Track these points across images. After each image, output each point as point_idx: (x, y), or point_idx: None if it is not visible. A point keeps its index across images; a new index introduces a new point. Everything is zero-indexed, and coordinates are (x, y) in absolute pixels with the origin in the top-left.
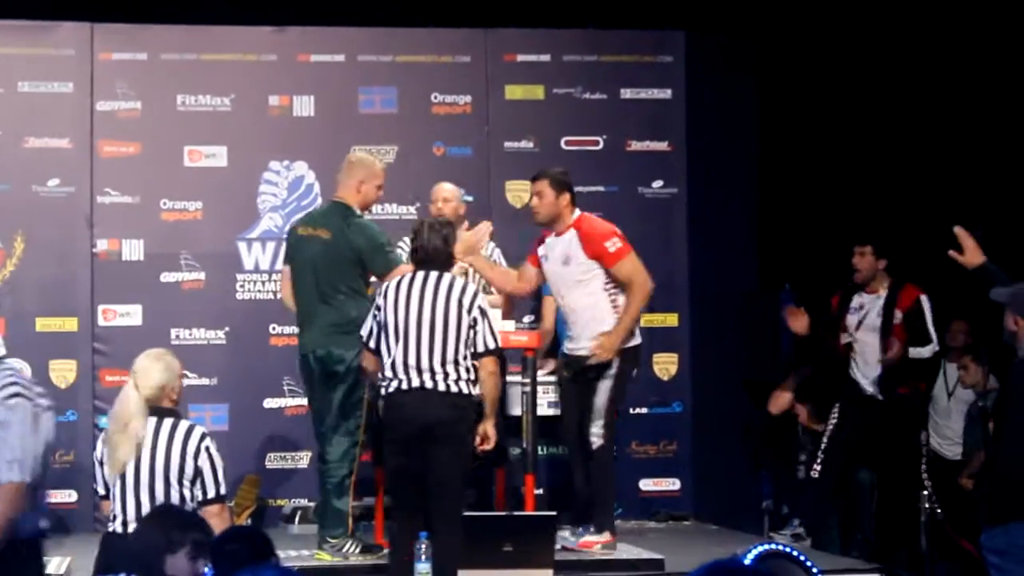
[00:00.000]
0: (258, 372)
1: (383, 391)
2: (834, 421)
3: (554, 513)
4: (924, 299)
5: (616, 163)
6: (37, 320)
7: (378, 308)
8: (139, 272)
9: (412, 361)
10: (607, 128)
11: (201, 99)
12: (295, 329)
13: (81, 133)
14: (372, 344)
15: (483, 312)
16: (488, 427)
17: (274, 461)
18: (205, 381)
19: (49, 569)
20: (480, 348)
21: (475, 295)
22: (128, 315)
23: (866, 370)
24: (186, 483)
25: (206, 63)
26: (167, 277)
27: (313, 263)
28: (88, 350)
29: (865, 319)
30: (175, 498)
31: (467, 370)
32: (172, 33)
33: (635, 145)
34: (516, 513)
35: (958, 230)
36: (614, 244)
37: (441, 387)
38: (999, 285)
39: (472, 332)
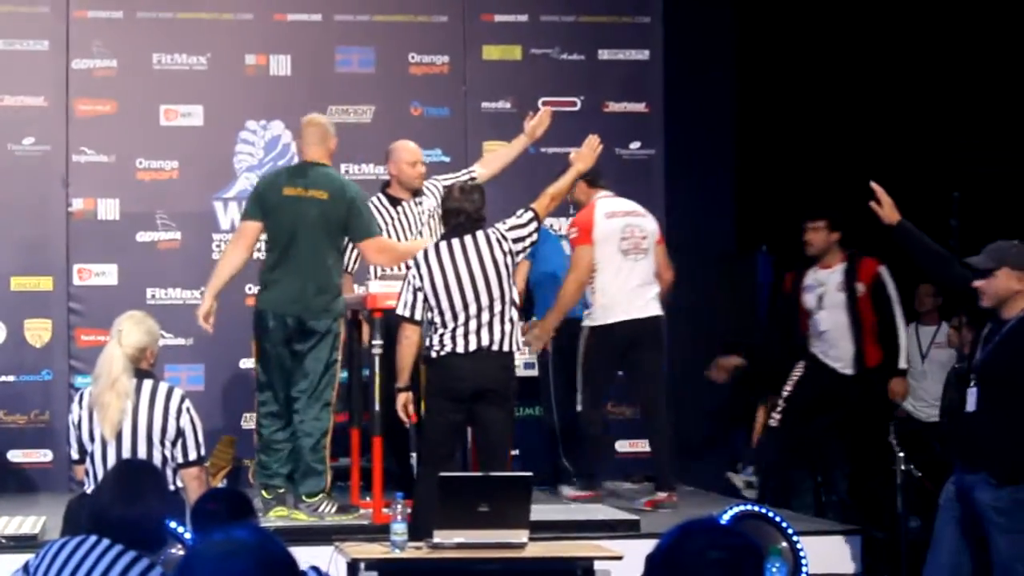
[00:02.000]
0: (234, 332)
1: (433, 354)
2: (798, 375)
3: (530, 474)
4: (884, 271)
5: (593, 124)
6: (12, 279)
7: (416, 278)
8: (115, 231)
9: (472, 326)
10: (584, 89)
11: (177, 58)
12: None
13: (56, 91)
14: (414, 315)
15: (512, 233)
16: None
17: (250, 421)
18: (181, 341)
19: (23, 528)
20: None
21: (501, 236)
22: (103, 275)
23: (833, 351)
24: (167, 444)
25: (182, 21)
26: (143, 237)
27: (309, 224)
28: (63, 310)
29: (825, 296)
30: (156, 459)
31: (514, 326)
32: None
33: (612, 106)
34: (492, 474)
35: (874, 185)
36: (572, 233)
37: (495, 347)
38: (916, 244)
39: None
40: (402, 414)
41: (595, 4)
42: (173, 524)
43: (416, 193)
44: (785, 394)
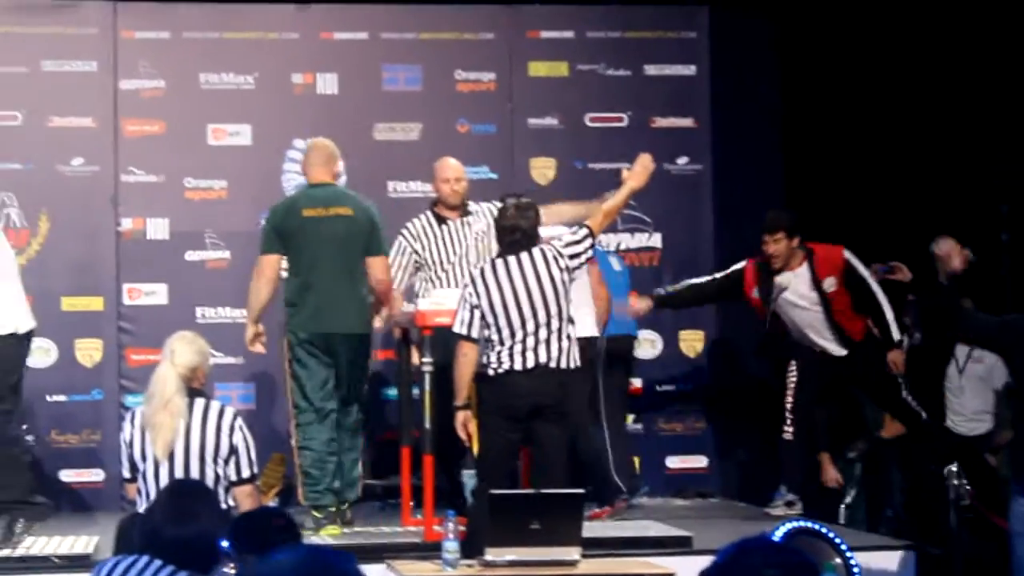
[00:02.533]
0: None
1: (491, 371)
2: (793, 380)
3: (582, 491)
4: (848, 254)
5: (641, 140)
6: (63, 299)
7: (473, 295)
8: (164, 251)
9: (530, 343)
10: (632, 104)
11: (224, 77)
12: None
13: (105, 112)
14: (471, 333)
15: (568, 249)
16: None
17: None
18: (231, 360)
19: (76, 548)
20: (583, 249)
21: (557, 252)
22: (153, 294)
23: (819, 339)
24: (220, 462)
25: (229, 41)
26: (192, 256)
27: (336, 241)
28: (113, 329)
29: (797, 297)
30: (209, 478)
31: (571, 343)
32: (195, 11)
33: (660, 121)
34: (543, 491)
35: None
36: None
37: (553, 364)
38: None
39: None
40: (461, 432)
41: (641, 20)
42: (225, 543)
43: (465, 212)
44: (789, 404)
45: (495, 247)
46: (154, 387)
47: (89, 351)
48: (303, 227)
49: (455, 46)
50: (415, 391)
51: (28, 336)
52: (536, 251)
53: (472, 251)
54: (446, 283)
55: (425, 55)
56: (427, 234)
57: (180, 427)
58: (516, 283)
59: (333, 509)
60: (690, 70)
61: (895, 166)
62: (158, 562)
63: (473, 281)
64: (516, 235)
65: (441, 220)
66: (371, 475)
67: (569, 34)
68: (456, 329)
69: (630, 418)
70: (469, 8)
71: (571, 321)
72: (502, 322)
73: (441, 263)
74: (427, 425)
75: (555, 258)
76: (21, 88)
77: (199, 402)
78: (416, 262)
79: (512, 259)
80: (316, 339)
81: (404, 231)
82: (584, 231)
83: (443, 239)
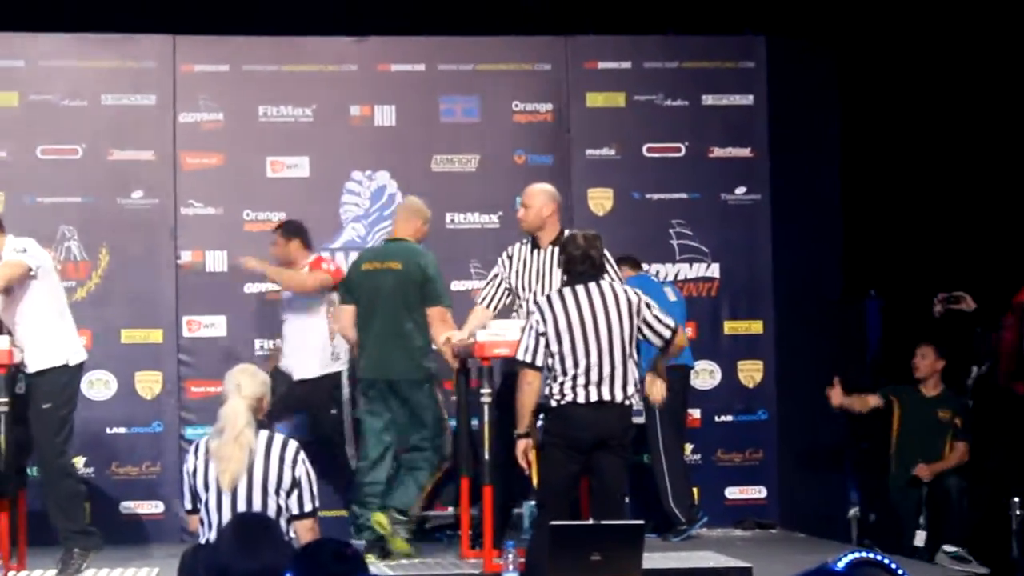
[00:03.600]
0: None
1: (553, 403)
2: None
3: (642, 522)
4: None
5: (698, 170)
6: (123, 332)
7: (540, 323)
8: (223, 283)
9: (594, 376)
10: (689, 135)
11: (283, 110)
12: None
13: (164, 145)
14: (536, 361)
15: (647, 312)
16: (652, 378)
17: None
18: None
19: None
20: (659, 343)
21: (640, 303)
22: (212, 326)
23: None
24: (282, 495)
25: (287, 74)
26: (251, 288)
27: (386, 293)
28: (173, 361)
29: None
30: (271, 510)
31: (634, 376)
32: (253, 44)
33: (717, 151)
34: (604, 522)
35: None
36: (325, 265)
37: (618, 399)
38: None
39: (645, 331)
40: (522, 461)
41: (698, 50)
42: None
43: (555, 241)
44: None
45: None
46: (225, 420)
47: (149, 383)
48: (361, 280)
49: (512, 77)
50: (474, 422)
51: (79, 368)
52: (606, 283)
53: (558, 283)
54: (526, 313)
55: (482, 86)
56: (518, 259)
57: (246, 459)
58: (584, 313)
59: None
60: (748, 100)
61: (954, 194)
62: None
63: (540, 308)
64: (586, 264)
65: (535, 246)
66: (430, 507)
67: (626, 65)
68: (520, 356)
69: (688, 449)
70: (526, 39)
71: (634, 359)
72: (567, 351)
73: (524, 289)
74: (486, 456)
75: (636, 307)
76: (82, 122)
77: (263, 434)
78: (508, 288)
79: (581, 288)
80: (372, 384)
81: (503, 254)
82: (671, 328)
83: (531, 266)
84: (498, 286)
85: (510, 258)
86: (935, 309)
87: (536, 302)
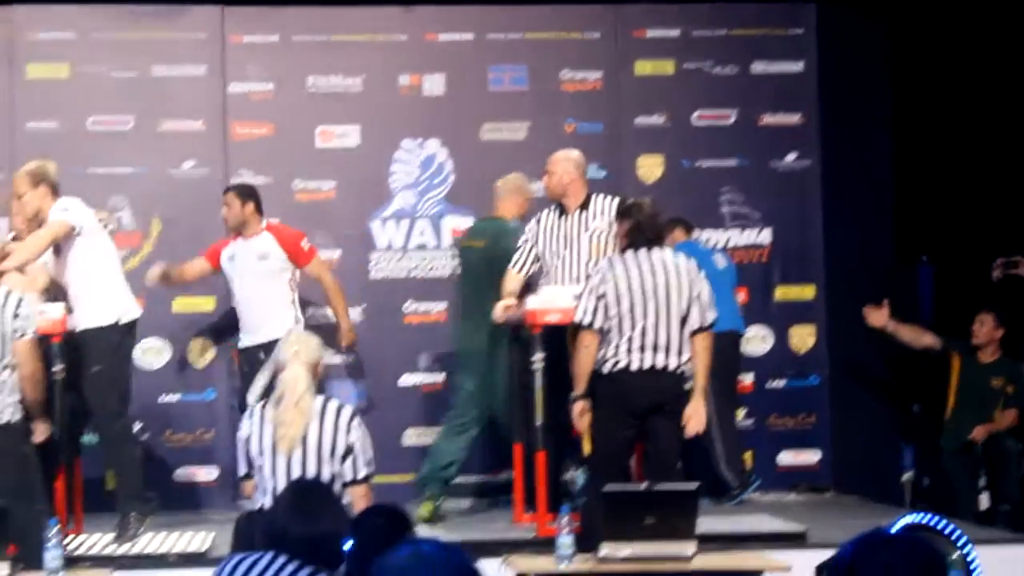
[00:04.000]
0: (392, 350)
1: (607, 367)
2: None
3: (696, 484)
4: None
5: (748, 137)
6: (174, 301)
7: (600, 285)
8: None
9: (650, 341)
10: (739, 102)
11: (332, 79)
12: (429, 307)
13: (214, 115)
14: (593, 322)
15: (703, 288)
16: (698, 405)
17: (411, 437)
18: (342, 359)
19: (192, 546)
20: (695, 325)
21: (695, 272)
22: None
23: None
24: (337, 460)
25: (336, 44)
26: None
27: (472, 269)
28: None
29: None
30: (325, 475)
31: (687, 342)
32: (303, 14)
33: (767, 118)
34: (658, 486)
35: None
36: (306, 243)
37: (672, 365)
38: None
39: (694, 307)
40: (577, 424)
41: (748, 17)
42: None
43: (583, 207)
44: None
45: (610, 247)
46: (284, 386)
47: (201, 351)
48: (459, 256)
49: (561, 45)
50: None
51: (130, 329)
52: (667, 252)
53: (585, 249)
54: (555, 279)
55: (531, 55)
56: (546, 225)
57: (305, 424)
58: (645, 278)
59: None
60: (798, 66)
61: (1008, 158)
62: (283, 558)
63: (602, 271)
64: (649, 232)
65: (562, 212)
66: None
67: (675, 32)
68: (578, 319)
69: (741, 414)
70: (574, 8)
71: (689, 326)
72: (625, 315)
73: (552, 255)
74: (539, 422)
75: (693, 273)
76: (132, 93)
77: (318, 399)
78: (537, 255)
79: (643, 254)
80: (465, 356)
81: (532, 220)
82: (711, 323)
83: (558, 232)
84: (528, 252)
85: (538, 223)
86: (993, 274)
87: (599, 264)
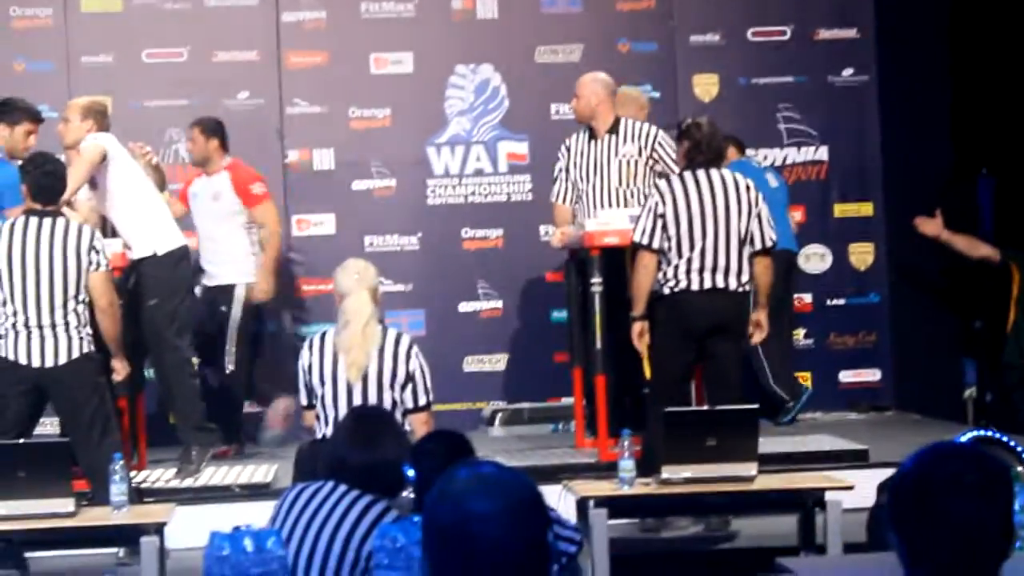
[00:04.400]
0: (452, 276)
1: (667, 289)
2: None
3: (756, 406)
4: None
5: (804, 52)
6: None
7: (660, 204)
8: (330, 181)
9: (709, 262)
10: (794, 17)
11: (385, 6)
12: (488, 232)
13: (268, 45)
14: (653, 243)
15: (762, 209)
16: (761, 316)
17: (471, 364)
18: (400, 287)
19: (256, 477)
20: (758, 246)
21: (758, 196)
22: (321, 224)
23: None
24: (397, 388)
25: None
26: (358, 185)
27: None
28: (283, 260)
29: None
30: (387, 403)
31: (747, 264)
32: None
33: (823, 33)
34: (718, 408)
35: None
36: (259, 188)
37: (732, 286)
38: None
39: (754, 226)
40: (637, 343)
41: None
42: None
43: (612, 130)
44: None
45: (640, 173)
46: (349, 314)
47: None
48: None
49: None
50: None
51: (176, 258)
52: (727, 172)
53: (615, 174)
54: (585, 204)
55: None
56: (576, 150)
57: (371, 351)
58: (704, 198)
59: None
60: None
61: None
62: (343, 487)
63: (660, 191)
64: (712, 151)
65: (592, 136)
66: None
67: None
68: (637, 239)
69: (800, 333)
70: None
71: (749, 243)
72: (684, 235)
73: (582, 180)
74: (598, 346)
75: (752, 193)
76: (185, 25)
77: (379, 327)
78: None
79: (702, 174)
80: None
81: (562, 146)
82: (774, 241)
83: (588, 156)
84: (566, 179)
85: (568, 149)
86: None
87: (655, 184)
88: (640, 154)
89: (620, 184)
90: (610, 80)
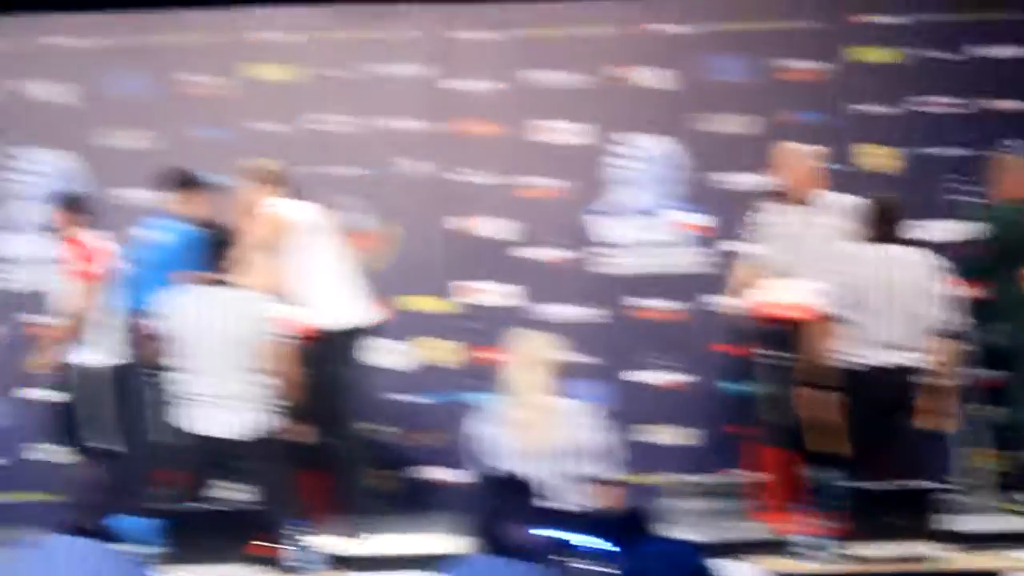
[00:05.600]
0: (623, 347)
1: (848, 362)
2: None
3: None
4: None
5: (974, 124)
6: (406, 299)
7: (842, 274)
8: (497, 249)
9: (887, 336)
10: (963, 89)
11: (551, 75)
12: (658, 303)
13: (436, 113)
14: (835, 315)
15: (942, 287)
16: (933, 402)
17: (654, 434)
18: (573, 358)
19: (428, 548)
20: (934, 324)
21: (936, 270)
22: (491, 292)
23: None
24: (581, 460)
25: (551, 38)
26: (527, 253)
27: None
28: (458, 328)
29: None
30: (568, 476)
31: (926, 338)
32: (519, 10)
33: (992, 104)
34: (902, 485)
35: None
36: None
37: (911, 362)
38: None
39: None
40: (825, 415)
41: (968, 1)
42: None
43: (812, 200)
44: None
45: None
46: (524, 386)
47: (435, 350)
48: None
49: (779, 35)
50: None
51: (348, 333)
52: (912, 249)
53: (814, 245)
54: (784, 274)
55: (750, 45)
56: (774, 219)
57: (550, 427)
58: (881, 271)
59: None
60: (1021, 52)
61: None
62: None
63: (840, 263)
64: (895, 225)
65: (791, 205)
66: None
67: (896, 19)
68: (819, 310)
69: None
70: None
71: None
72: (864, 308)
73: (779, 250)
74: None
75: (934, 267)
76: (352, 93)
77: (558, 399)
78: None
79: (883, 247)
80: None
81: (756, 214)
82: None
83: (785, 226)
84: (758, 248)
85: (766, 217)
86: None
87: (836, 256)
88: (840, 224)
89: (818, 255)
90: (812, 150)
